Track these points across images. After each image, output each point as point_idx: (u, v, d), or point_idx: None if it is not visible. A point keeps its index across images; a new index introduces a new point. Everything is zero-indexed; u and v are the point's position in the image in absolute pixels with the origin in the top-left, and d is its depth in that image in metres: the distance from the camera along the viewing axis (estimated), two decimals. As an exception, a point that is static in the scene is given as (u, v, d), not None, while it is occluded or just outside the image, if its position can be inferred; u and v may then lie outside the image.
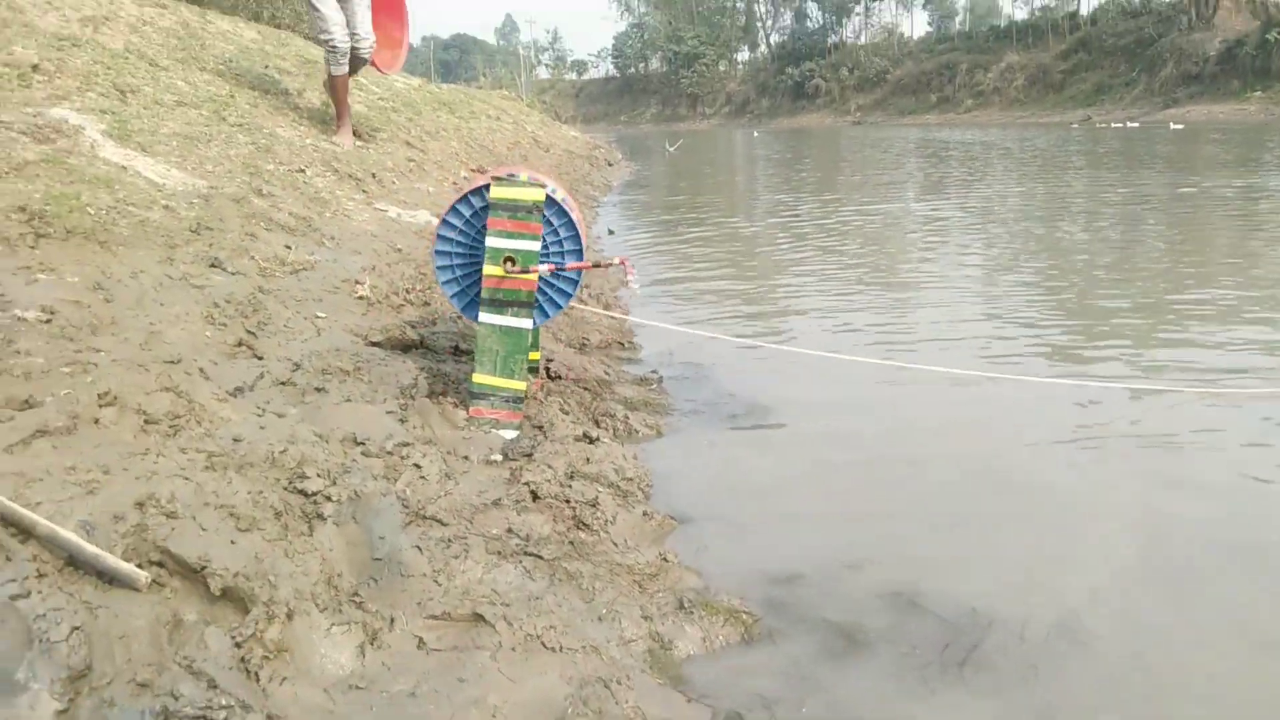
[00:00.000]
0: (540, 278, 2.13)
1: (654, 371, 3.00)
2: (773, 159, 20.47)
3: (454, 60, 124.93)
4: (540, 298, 2.17)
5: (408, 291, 3.21)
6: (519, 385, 2.10)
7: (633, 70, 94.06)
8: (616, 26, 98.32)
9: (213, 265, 2.71)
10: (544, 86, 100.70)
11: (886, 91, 70.20)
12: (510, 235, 2.07)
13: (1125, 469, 2.24)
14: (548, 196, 2.11)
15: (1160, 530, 1.93)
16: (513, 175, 2.13)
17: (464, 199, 2.15)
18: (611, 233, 6.99)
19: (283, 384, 2.06)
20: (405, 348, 2.59)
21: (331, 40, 5.08)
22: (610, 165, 15.30)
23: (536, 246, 2.09)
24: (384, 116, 8.31)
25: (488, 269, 2.09)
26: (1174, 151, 16.29)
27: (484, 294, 2.10)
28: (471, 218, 2.16)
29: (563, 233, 2.16)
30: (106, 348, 1.90)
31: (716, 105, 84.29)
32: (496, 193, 2.07)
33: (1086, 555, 1.84)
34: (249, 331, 2.24)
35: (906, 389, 2.90)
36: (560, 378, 2.67)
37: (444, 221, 2.16)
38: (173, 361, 1.84)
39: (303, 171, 4.52)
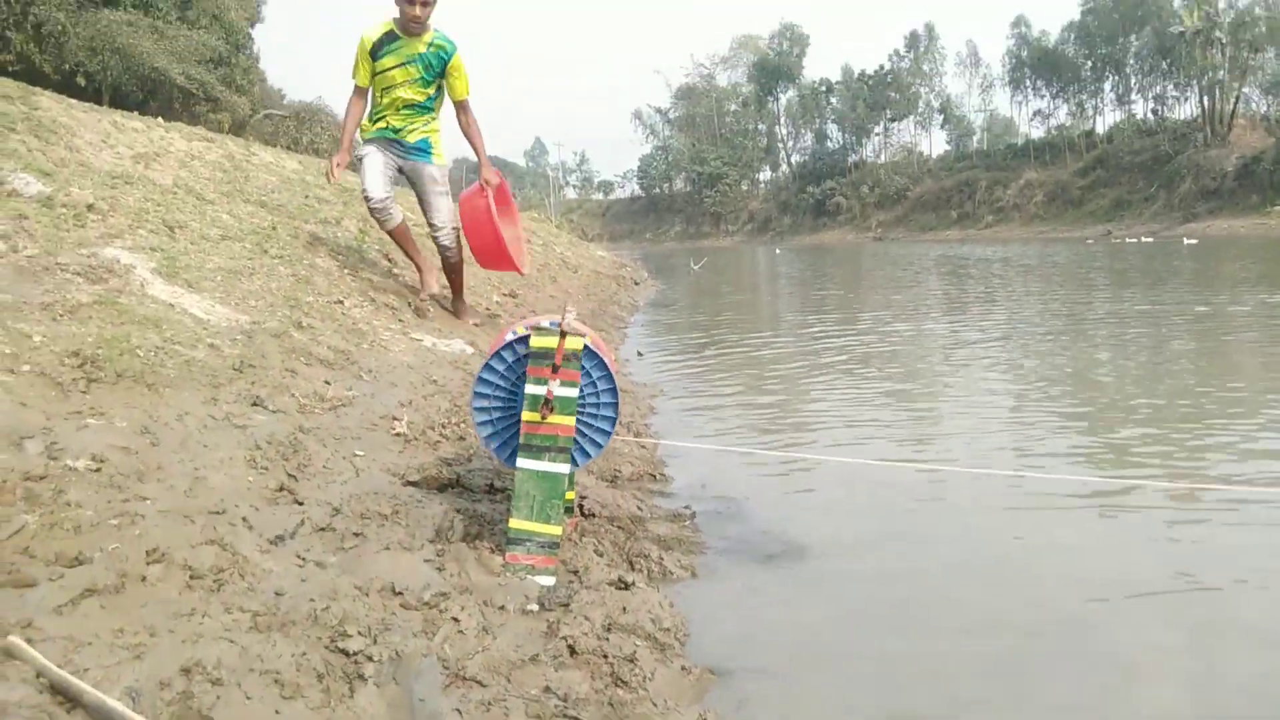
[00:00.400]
0: (578, 421, 2.16)
1: (687, 507, 2.99)
2: (795, 277, 20.73)
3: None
4: (578, 439, 2.19)
5: (443, 426, 3.25)
6: (555, 530, 2.11)
7: (657, 190, 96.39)
8: (641, 149, 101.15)
9: (254, 404, 2.77)
10: (571, 206, 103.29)
11: (907, 208, 71.38)
12: (548, 383, 2.11)
13: (1176, 616, 2.20)
14: (585, 345, 2.16)
15: (1218, 691, 1.88)
16: (552, 324, 2.18)
17: (507, 346, 2.21)
18: (641, 355, 7.05)
19: (322, 530, 2.08)
20: (441, 487, 2.61)
21: (363, 193, 5.00)
22: (636, 284, 15.54)
23: (575, 393, 2.12)
24: (418, 243, 8.51)
25: (526, 415, 2.12)
26: (1196, 268, 16.37)
27: (522, 439, 2.13)
28: (513, 364, 2.21)
29: (595, 374, 2.20)
30: (153, 495, 1.93)
31: (739, 223, 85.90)
32: (537, 342, 2.13)
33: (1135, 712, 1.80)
34: (289, 475, 2.28)
35: (945, 515, 2.89)
36: (594, 516, 2.67)
37: (484, 369, 2.21)
38: (217, 512, 1.87)
39: (341, 303, 4.64)
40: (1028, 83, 70.01)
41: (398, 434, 2.94)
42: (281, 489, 2.19)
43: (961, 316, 9.47)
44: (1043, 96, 70.24)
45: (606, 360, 2.21)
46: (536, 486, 2.11)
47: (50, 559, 1.57)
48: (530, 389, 2.13)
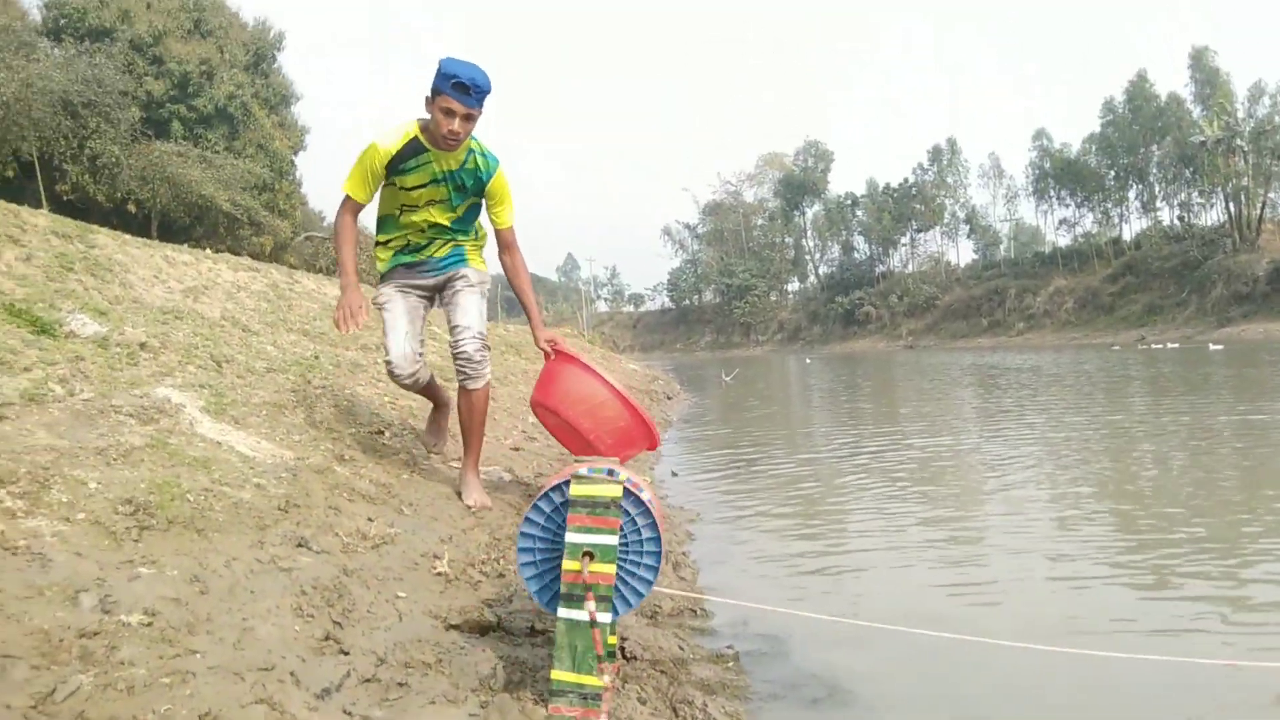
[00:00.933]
0: (619, 570, 2.17)
1: (729, 647, 2.95)
2: (827, 389, 20.69)
3: (514, 298, 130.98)
4: (620, 588, 2.19)
5: (483, 563, 3.26)
6: (598, 682, 2.09)
7: (687, 301, 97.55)
8: (671, 262, 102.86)
9: (299, 545, 2.80)
10: (603, 319, 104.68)
11: (937, 316, 71.64)
12: (589, 530, 2.13)
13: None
14: (625, 490, 2.18)
15: None
16: (590, 471, 2.21)
17: (544, 496, 2.23)
18: (675, 474, 7.05)
19: (368, 681, 2.08)
20: (483, 630, 2.61)
21: (386, 362, 3.82)
22: (669, 399, 15.60)
23: (614, 541, 2.14)
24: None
25: (567, 564, 2.13)
26: (1231, 375, 16.20)
27: (563, 588, 2.13)
28: (552, 513, 2.23)
29: (640, 521, 2.21)
30: (203, 649, 1.95)
31: (769, 332, 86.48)
32: (576, 490, 2.15)
33: None
34: (335, 622, 2.29)
35: (988, 667, 2.82)
36: (635, 659, 2.65)
37: (526, 520, 2.23)
38: (266, 668, 1.88)
39: (381, 433, 4.71)
40: (1052, 192, 70.89)
41: (439, 573, 2.95)
42: (327, 638, 2.20)
43: (998, 429, 9.40)
44: (1067, 205, 71.01)
45: (649, 503, 2.22)
46: (578, 636, 2.11)
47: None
48: (571, 537, 2.15)
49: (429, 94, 3.42)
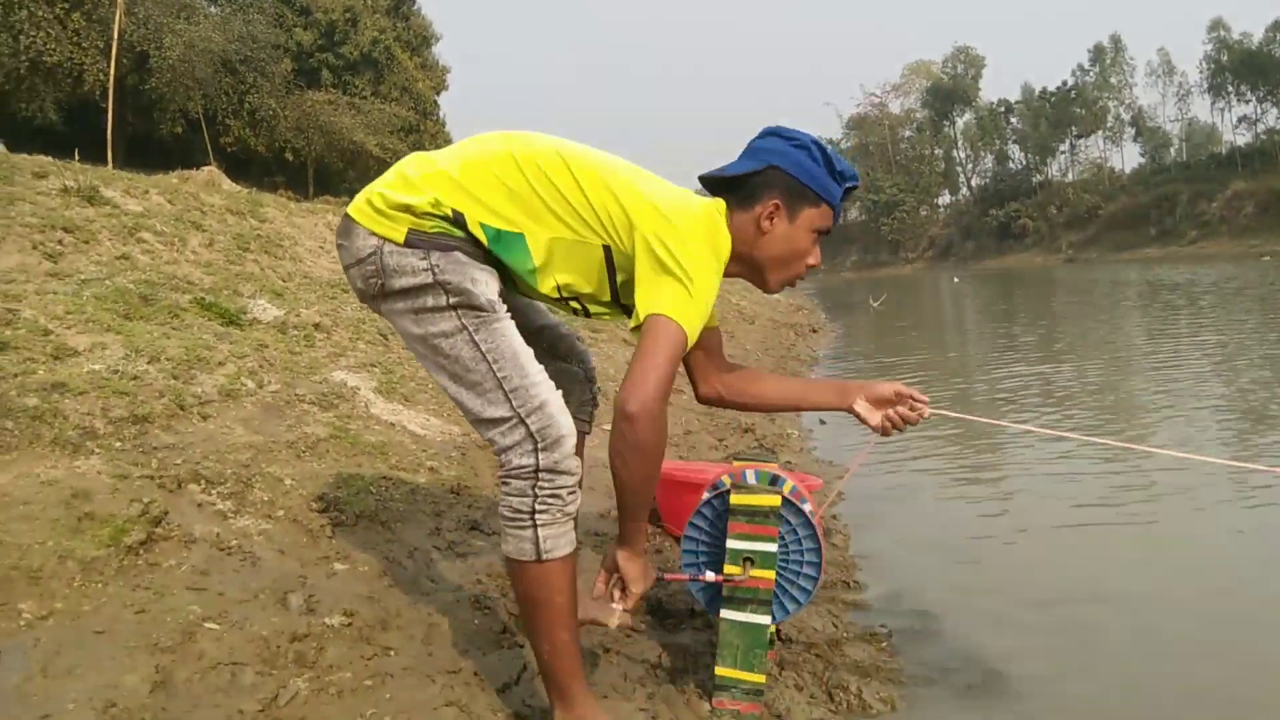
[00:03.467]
0: (779, 574, 2.24)
1: (883, 625, 3.00)
2: (983, 311, 20.05)
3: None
4: (779, 594, 2.27)
5: (649, 534, 3.40)
6: (759, 678, 2.20)
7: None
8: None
9: (473, 528, 3.01)
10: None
11: (1100, 227, 67.73)
12: (748, 538, 2.21)
13: None
14: (784, 499, 2.23)
15: None
16: (754, 477, 2.26)
17: (706, 503, 2.31)
18: (823, 422, 7.04)
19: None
20: (649, 611, 2.75)
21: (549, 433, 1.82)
22: (814, 332, 15.45)
23: (774, 548, 2.21)
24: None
25: (728, 568, 2.22)
26: None
27: (724, 591, 2.23)
28: (715, 519, 2.31)
29: (801, 532, 2.27)
30: (397, 647, 2.16)
31: (919, 249, 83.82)
32: (736, 499, 2.23)
33: None
34: (511, 614, 2.46)
35: (1169, 656, 2.79)
36: (791, 641, 2.74)
37: (689, 524, 2.33)
38: (453, 671, 2.07)
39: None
40: (1230, 88, 65.33)
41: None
42: (504, 630, 2.37)
43: (1188, 360, 8.95)
44: (1247, 101, 65.38)
45: (810, 515, 2.27)
46: (739, 636, 2.21)
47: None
48: (732, 544, 2.23)
49: (781, 200, 1.93)
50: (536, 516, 1.79)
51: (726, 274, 1.99)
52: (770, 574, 2.21)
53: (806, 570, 2.27)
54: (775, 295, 22.52)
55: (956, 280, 43.28)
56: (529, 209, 1.83)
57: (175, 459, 2.68)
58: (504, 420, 1.80)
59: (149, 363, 3.16)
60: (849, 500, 4.72)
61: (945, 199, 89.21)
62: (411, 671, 2.04)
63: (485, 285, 1.83)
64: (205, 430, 2.95)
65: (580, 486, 1.87)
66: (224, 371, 3.41)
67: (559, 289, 1.91)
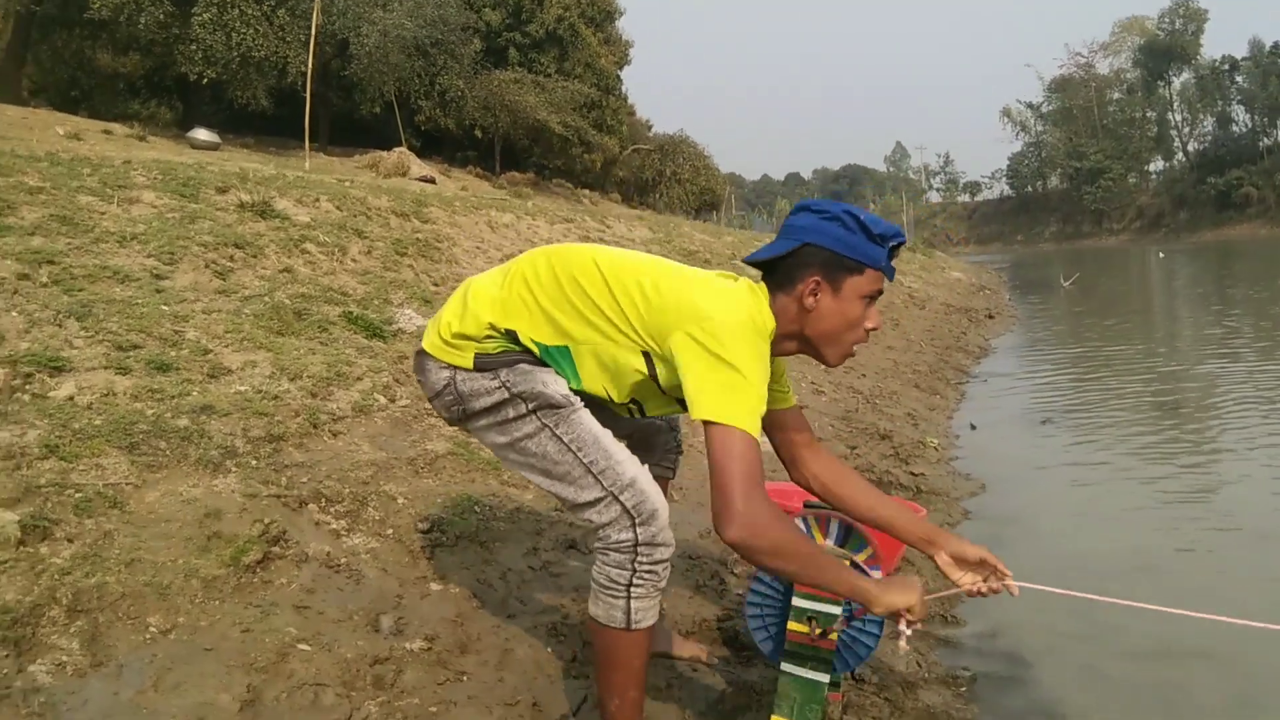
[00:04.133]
0: (844, 633, 2.28)
1: (965, 667, 2.99)
2: (1196, 296, 18.59)
3: (844, 190, 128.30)
4: (842, 650, 2.31)
5: (736, 560, 3.49)
6: (812, 729, 2.26)
7: (1029, 189, 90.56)
8: (1010, 146, 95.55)
9: (570, 548, 3.19)
10: (935, 210, 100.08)
11: (1338, 197, 61.27)
12: (813, 598, 2.24)
13: None
14: (851, 563, 2.26)
15: None
16: (826, 521, 2.30)
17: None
18: (974, 428, 6.86)
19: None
20: (723, 642, 2.85)
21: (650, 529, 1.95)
22: (990, 318, 14.86)
23: (838, 611, 2.23)
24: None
25: (792, 625, 2.27)
26: None
27: (787, 645, 2.29)
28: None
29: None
30: (470, 671, 2.36)
31: (1125, 220, 78.40)
32: None
33: None
34: (584, 641, 2.62)
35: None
36: (864, 682, 2.77)
37: (755, 578, 2.38)
38: (511, 704, 2.25)
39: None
40: None
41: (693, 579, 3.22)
42: (574, 659, 2.54)
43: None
44: None
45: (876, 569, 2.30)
46: (797, 690, 2.27)
47: (383, 752, 2.00)
48: (797, 602, 2.28)
49: (821, 275, 1.93)
50: (632, 590, 1.91)
51: (785, 352, 2.04)
52: (832, 636, 2.26)
53: (870, 629, 2.30)
54: (956, 275, 21.74)
55: (1161, 255, 40.27)
56: (570, 321, 1.94)
57: (302, 477, 2.99)
58: (598, 501, 1.94)
59: (291, 380, 3.50)
60: (975, 519, 4.63)
61: (1157, 166, 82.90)
62: (475, 700, 2.23)
63: (556, 384, 1.98)
64: (334, 448, 3.25)
65: (671, 561, 1.97)
66: (360, 387, 3.72)
67: (608, 395, 2.03)
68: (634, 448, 2.46)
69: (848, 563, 2.29)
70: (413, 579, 2.73)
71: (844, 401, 6.51)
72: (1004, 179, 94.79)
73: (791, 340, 2.02)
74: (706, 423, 1.75)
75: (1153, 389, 8.09)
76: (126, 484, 2.64)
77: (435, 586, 2.72)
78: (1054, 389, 8.40)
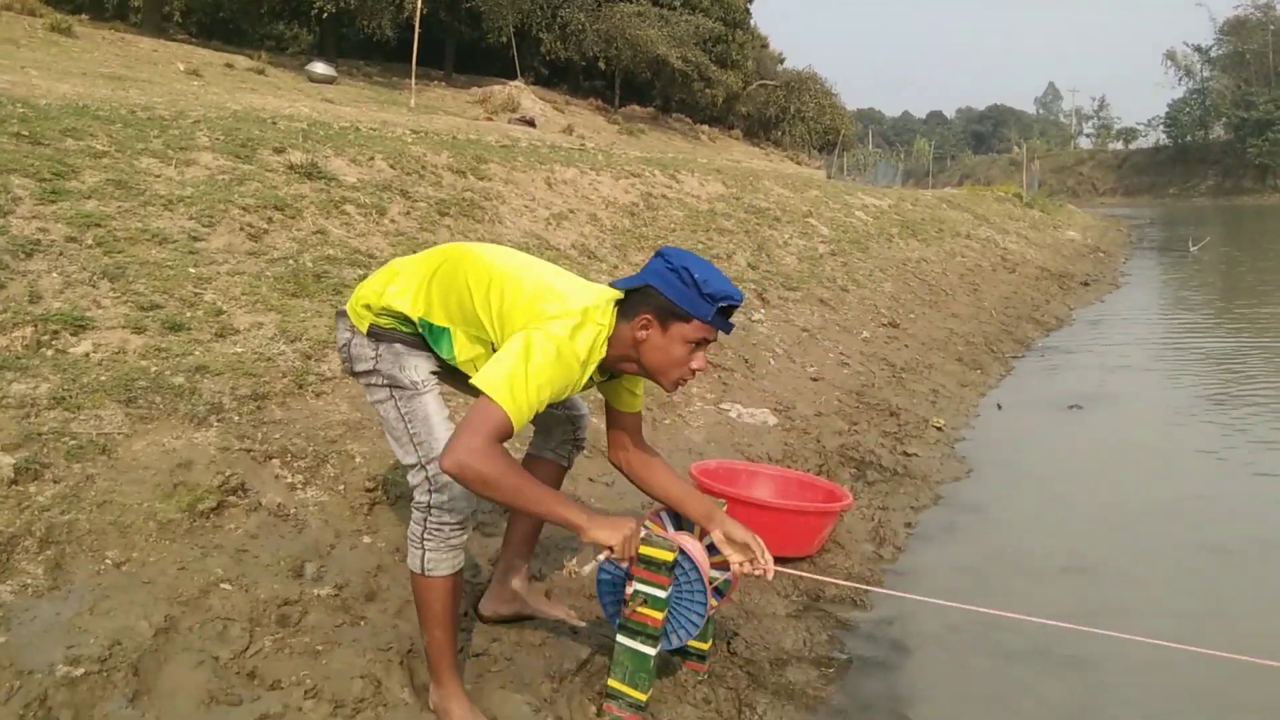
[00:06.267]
0: (673, 610, 2.61)
1: (844, 652, 3.26)
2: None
3: (987, 132, 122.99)
4: (669, 627, 2.64)
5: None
6: (640, 696, 2.59)
7: (1188, 138, 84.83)
8: (1172, 92, 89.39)
9: (508, 511, 3.57)
10: (1081, 158, 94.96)
11: None
12: (645, 582, 2.57)
13: None
14: (676, 559, 2.56)
15: None
16: (655, 537, 2.60)
17: None
18: (1000, 408, 6.91)
19: (477, 657, 2.79)
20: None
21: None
22: (1085, 285, 14.42)
23: (664, 595, 2.54)
24: (810, 267, 9.01)
25: (628, 602, 2.60)
26: None
27: (620, 619, 2.63)
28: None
29: (693, 577, 2.59)
30: (370, 617, 2.78)
31: (1292, 177, 72.75)
32: (642, 549, 2.57)
33: None
34: (478, 597, 3.02)
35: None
36: (736, 654, 3.08)
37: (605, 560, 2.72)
38: (384, 648, 2.66)
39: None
40: None
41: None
42: (466, 613, 2.93)
43: None
44: None
45: (701, 570, 2.60)
46: (629, 659, 2.61)
47: (268, 684, 2.44)
48: (635, 584, 2.61)
49: (653, 315, 2.26)
50: (425, 542, 2.40)
51: (626, 370, 2.42)
52: (659, 615, 2.58)
53: (694, 613, 2.62)
54: (1071, 235, 20.97)
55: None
56: (454, 311, 2.37)
57: (275, 434, 3.45)
58: (412, 466, 2.43)
59: (289, 343, 3.96)
60: (946, 504, 4.80)
61: (1338, 118, 76.28)
62: (358, 644, 2.65)
63: (411, 371, 2.43)
64: (313, 408, 3.71)
65: (466, 524, 2.40)
66: (354, 349, 4.15)
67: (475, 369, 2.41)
68: (535, 432, 2.88)
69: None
70: (349, 531, 3.16)
71: (865, 375, 6.67)
72: (1161, 126, 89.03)
73: (629, 362, 2.38)
74: (485, 394, 2.09)
75: (1218, 385, 7.90)
76: (119, 434, 3.14)
77: (366, 540, 3.15)
78: (1107, 371, 8.27)
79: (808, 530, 3.72)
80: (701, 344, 2.33)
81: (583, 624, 2.99)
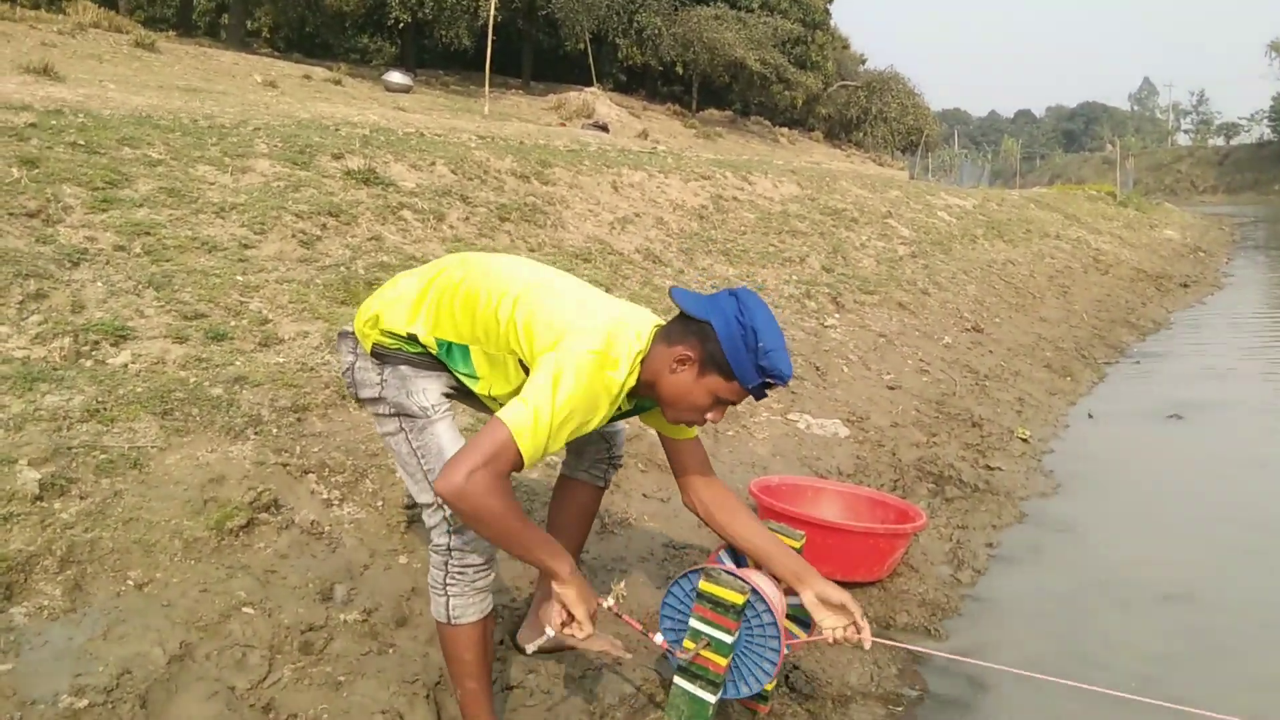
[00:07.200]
0: (737, 659, 2.37)
1: (916, 688, 2.98)
2: None
3: (1079, 130, 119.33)
4: (734, 674, 2.39)
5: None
6: (697, 740, 2.37)
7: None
8: (1275, 85, 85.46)
9: (556, 529, 3.38)
10: (1180, 154, 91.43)
11: None
12: (709, 623, 2.34)
13: None
14: (748, 602, 2.32)
15: None
16: (722, 573, 2.36)
17: (685, 576, 2.46)
18: (1091, 416, 6.51)
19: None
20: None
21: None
22: (1185, 288, 13.69)
23: (729, 640, 2.31)
24: (889, 270, 8.68)
25: (687, 641, 2.37)
26: None
27: (679, 661, 2.40)
28: (689, 593, 2.44)
29: (765, 620, 2.34)
30: (399, 644, 2.62)
31: None
32: (704, 586, 2.34)
33: None
34: (515, 626, 2.83)
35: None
36: (797, 691, 2.84)
37: (669, 592, 2.49)
38: (410, 680, 2.49)
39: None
40: None
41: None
42: (501, 641, 2.75)
43: None
44: None
45: (775, 614, 2.35)
46: (686, 704, 2.38)
47: (284, 717, 2.29)
48: (693, 623, 2.38)
49: (696, 356, 2.03)
50: (449, 588, 2.17)
51: (644, 394, 2.14)
52: (722, 660, 2.35)
53: (766, 663, 2.37)
54: (1169, 234, 20.05)
55: None
56: (467, 326, 2.13)
57: (314, 447, 3.32)
58: (428, 505, 2.19)
59: (335, 352, 3.84)
60: (1030, 523, 4.47)
61: None
62: (383, 674, 2.48)
63: (422, 394, 2.19)
64: (355, 420, 3.57)
65: (491, 565, 2.18)
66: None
67: (491, 390, 2.19)
68: (567, 452, 2.67)
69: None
70: (385, 550, 3.00)
71: (946, 383, 6.32)
72: (1265, 121, 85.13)
73: (649, 386, 2.12)
74: (499, 419, 1.89)
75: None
76: (152, 447, 3.04)
77: (402, 560, 2.99)
78: (1210, 378, 7.76)
79: (877, 553, 3.45)
80: (729, 403, 2.10)
81: (628, 655, 2.77)
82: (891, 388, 5.96)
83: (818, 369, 5.76)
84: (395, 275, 2.37)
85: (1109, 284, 12.40)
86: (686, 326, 2.05)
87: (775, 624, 2.34)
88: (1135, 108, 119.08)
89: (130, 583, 2.55)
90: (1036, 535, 4.31)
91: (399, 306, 2.19)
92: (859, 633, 2.28)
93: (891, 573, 3.61)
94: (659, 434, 2.43)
